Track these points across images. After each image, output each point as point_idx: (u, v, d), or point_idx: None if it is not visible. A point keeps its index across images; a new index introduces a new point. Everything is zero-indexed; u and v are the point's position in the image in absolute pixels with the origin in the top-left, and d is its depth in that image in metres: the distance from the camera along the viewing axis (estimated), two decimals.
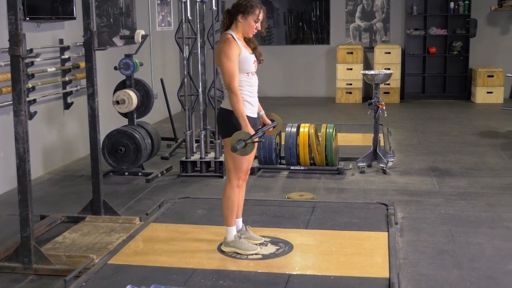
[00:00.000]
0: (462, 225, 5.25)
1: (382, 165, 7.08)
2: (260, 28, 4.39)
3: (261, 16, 4.35)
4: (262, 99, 4.75)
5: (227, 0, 12.95)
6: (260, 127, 4.54)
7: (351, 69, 12.80)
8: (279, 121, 4.73)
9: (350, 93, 12.87)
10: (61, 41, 7.46)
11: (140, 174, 7.07)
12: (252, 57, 4.40)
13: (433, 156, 7.90)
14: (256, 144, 4.18)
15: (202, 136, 7.16)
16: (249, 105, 4.36)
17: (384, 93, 12.39)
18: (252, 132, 4.18)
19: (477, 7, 12.89)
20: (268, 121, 4.63)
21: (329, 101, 13.06)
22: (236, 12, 4.32)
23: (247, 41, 4.43)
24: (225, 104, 4.38)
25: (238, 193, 4.50)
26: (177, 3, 10.73)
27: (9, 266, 4.40)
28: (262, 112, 4.63)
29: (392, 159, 7.23)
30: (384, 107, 7.13)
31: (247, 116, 4.28)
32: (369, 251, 4.62)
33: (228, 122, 4.34)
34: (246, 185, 4.67)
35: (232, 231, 4.54)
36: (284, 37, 13.90)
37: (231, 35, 4.32)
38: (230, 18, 4.37)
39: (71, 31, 7.63)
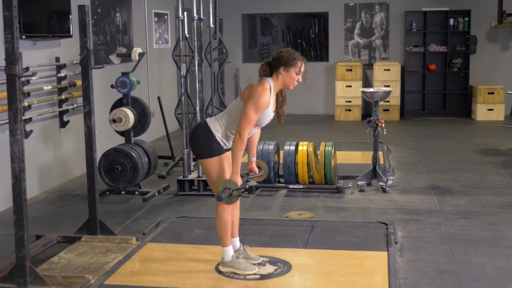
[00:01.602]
0: (463, 244, 5.19)
1: (382, 184, 7.02)
2: (301, 80, 4.35)
3: (302, 68, 4.31)
4: None
5: (224, 18, 13.04)
6: (246, 173, 4.52)
7: (350, 86, 12.78)
8: (265, 171, 4.72)
9: (350, 110, 12.85)
10: (57, 59, 7.43)
11: (137, 193, 7.01)
12: (272, 115, 4.36)
13: (434, 174, 7.85)
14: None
15: None
16: (229, 141, 4.33)
17: (384, 110, 12.38)
18: (239, 182, 4.14)
19: (476, 23, 12.89)
20: (256, 170, 4.61)
21: (328, 119, 13.04)
22: (278, 65, 4.27)
23: (279, 94, 4.37)
24: (213, 125, 4.32)
25: (230, 213, 4.44)
26: (174, 21, 10.77)
27: (4, 287, 4.34)
28: (254, 159, 4.61)
29: (392, 177, 7.18)
30: (383, 125, 7.09)
31: (220, 143, 4.27)
32: (368, 271, 4.56)
33: (209, 143, 4.29)
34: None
35: (229, 251, 4.48)
36: None
37: (270, 85, 4.26)
38: (270, 69, 4.31)
39: (67, 49, 7.61)
